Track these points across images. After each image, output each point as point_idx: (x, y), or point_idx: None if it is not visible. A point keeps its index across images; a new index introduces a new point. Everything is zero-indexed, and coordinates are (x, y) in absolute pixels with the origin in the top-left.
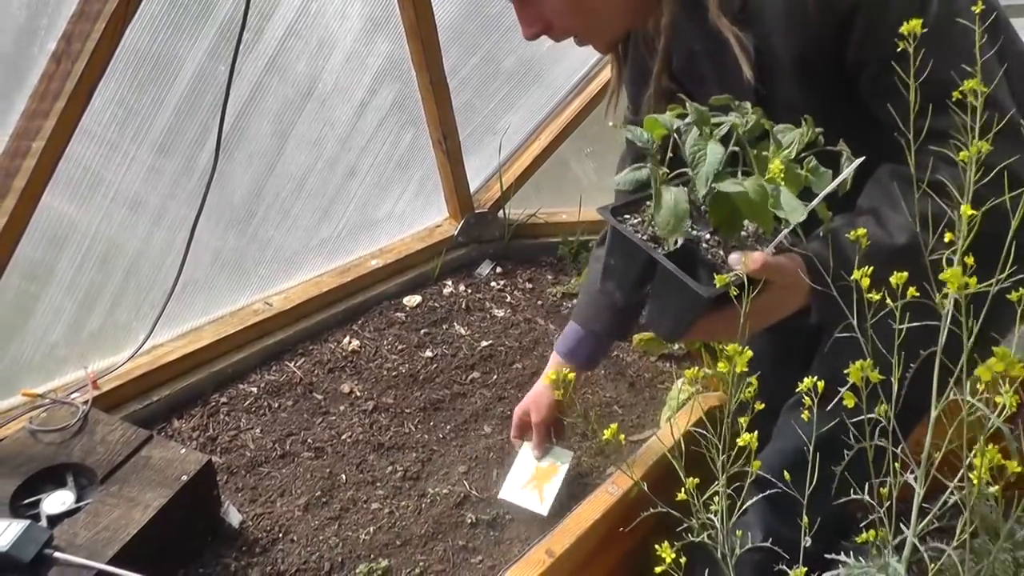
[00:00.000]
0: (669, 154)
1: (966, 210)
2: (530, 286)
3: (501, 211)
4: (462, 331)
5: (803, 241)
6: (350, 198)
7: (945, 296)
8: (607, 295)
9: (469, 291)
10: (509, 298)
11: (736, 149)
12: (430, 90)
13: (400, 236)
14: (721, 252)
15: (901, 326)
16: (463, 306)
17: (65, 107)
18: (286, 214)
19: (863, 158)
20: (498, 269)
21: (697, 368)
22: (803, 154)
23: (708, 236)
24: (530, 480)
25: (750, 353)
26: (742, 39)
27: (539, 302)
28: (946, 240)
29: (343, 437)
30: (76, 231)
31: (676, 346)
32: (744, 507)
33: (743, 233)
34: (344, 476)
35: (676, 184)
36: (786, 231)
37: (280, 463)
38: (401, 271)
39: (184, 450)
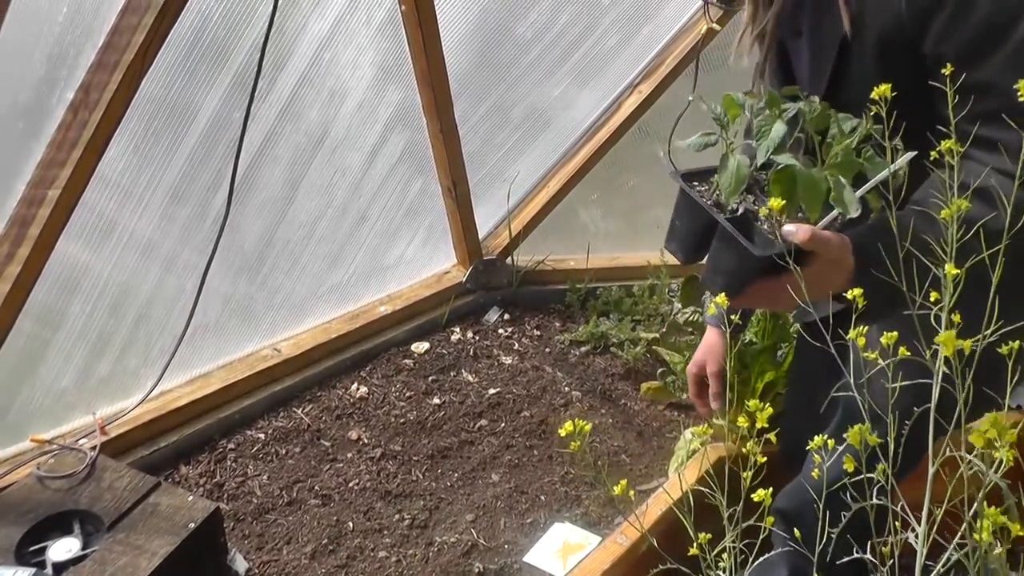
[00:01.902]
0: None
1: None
2: (538, 333)
3: (509, 258)
4: (470, 378)
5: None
6: (360, 245)
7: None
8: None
9: (477, 338)
10: (517, 345)
11: (801, 136)
12: (440, 138)
13: (409, 282)
14: (776, 222)
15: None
16: (471, 353)
17: (81, 156)
18: (296, 260)
19: (915, 152)
20: (506, 316)
21: (706, 425)
22: (862, 145)
23: (769, 211)
24: (558, 551)
25: (771, 409)
26: (809, 37)
27: (547, 349)
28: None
29: (350, 484)
30: (89, 276)
31: (684, 395)
32: (757, 555)
33: (799, 213)
34: (351, 524)
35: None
36: (833, 214)
37: (287, 510)
38: (409, 317)
39: (191, 497)
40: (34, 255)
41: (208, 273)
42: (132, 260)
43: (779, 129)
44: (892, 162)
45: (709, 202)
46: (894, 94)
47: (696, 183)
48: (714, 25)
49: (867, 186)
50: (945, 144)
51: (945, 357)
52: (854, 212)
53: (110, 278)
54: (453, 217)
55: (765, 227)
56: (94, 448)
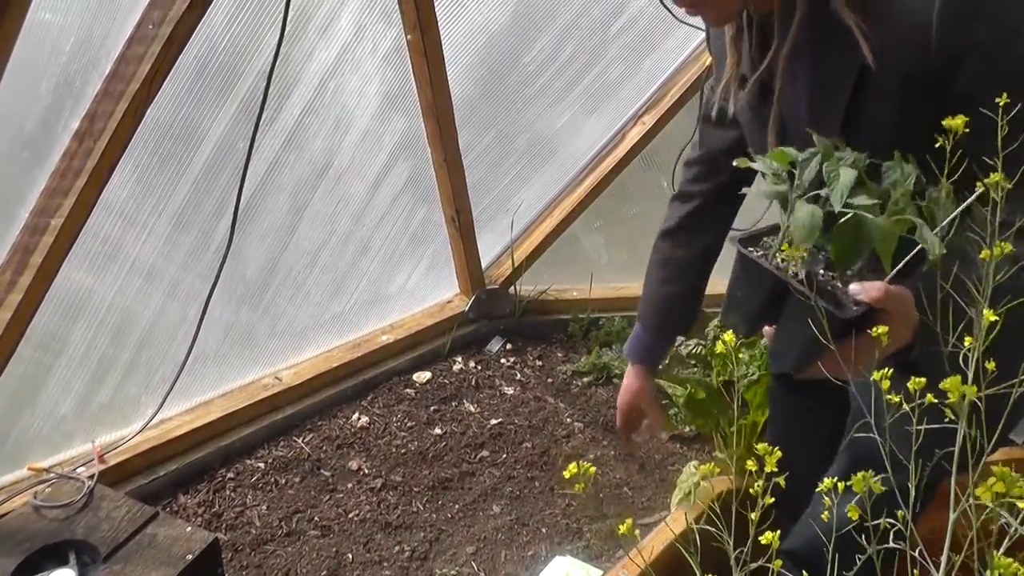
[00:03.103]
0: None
1: None
2: (540, 363)
3: (512, 287)
4: (471, 408)
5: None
6: (362, 273)
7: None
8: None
9: (479, 368)
10: (519, 375)
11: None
12: (444, 167)
13: (411, 311)
14: (839, 284)
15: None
16: (473, 383)
17: (85, 185)
18: (299, 289)
19: (980, 191)
20: (508, 346)
21: (712, 463)
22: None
23: (820, 272)
24: None
25: (779, 453)
26: (863, 26)
27: (549, 380)
28: None
29: (350, 515)
30: (91, 302)
31: (687, 428)
32: None
33: (849, 272)
34: (351, 555)
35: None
36: (898, 267)
37: (286, 541)
38: (412, 346)
39: (189, 528)
40: (35, 284)
41: (211, 301)
42: (135, 286)
43: (848, 173)
44: (954, 205)
45: (774, 266)
46: (914, 134)
47: (751, 248)
48: None
49: (941, 224)
50: (993, 177)
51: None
52: (939, 250)
53: (112, 304)
54: (456, 246)
55: (828, 287)
56: (92, 477)
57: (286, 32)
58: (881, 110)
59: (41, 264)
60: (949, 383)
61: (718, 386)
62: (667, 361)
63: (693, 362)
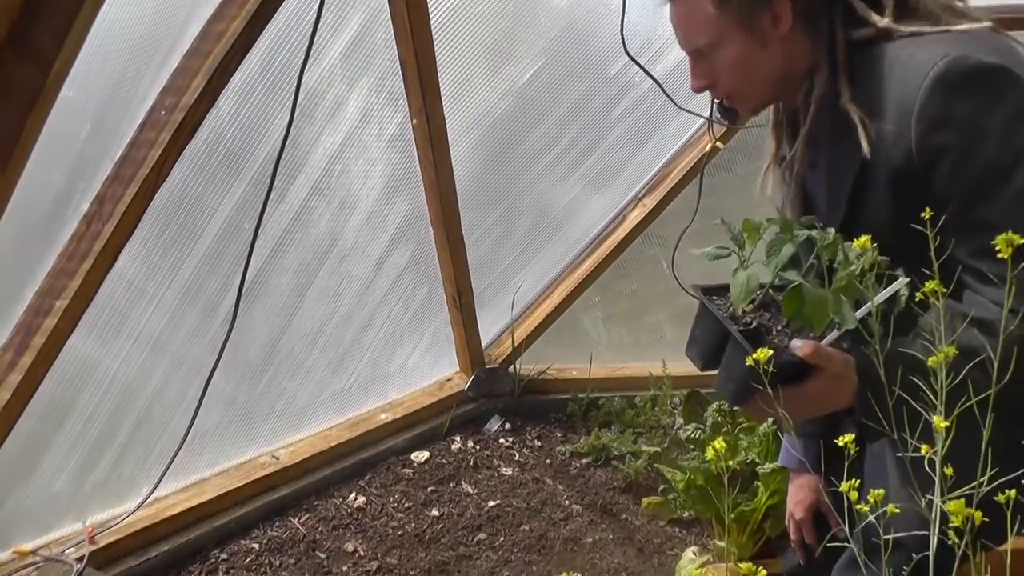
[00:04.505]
0: None
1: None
2: (539, 444)
3: (512, 366)
4: (469, 489)
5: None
6: (363, 352)
7: None
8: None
9: (477, 447)
10: (518, 456)
11: (815, 261)
12: (447, 248)
13: (410, 390)
14: (785, 338)
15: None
16: (471, 463)
17: (91, 268)
18: (299, 367)
19: (908, 280)
20: (507, 425)
21: (711, 558)
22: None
23: (781, 327)
24: None
25: (764, 572)
26: (867, 123)
27: (548, 461)
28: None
29: None
30: (92, 376)
31: (686, 512)
32: None
33: (811, 333)
34: None
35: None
36: (837, 333)
37: None
38: (410, 425)
39: None
40: (36, 365)
41: (212, 378)
42: (137, 360)
43: (788, 249)
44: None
45: (725, 315)
46: (906, 227)
47: (715, 297)
48: (718, 143)
49: (864, 308)
50: (929, 285)
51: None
52: (850, 324)
53: (113, 380)
54: (457, 325)
55: (775, 340)
56: (81, 559)
57: (294, 118)
58: (878, 202)
59: (43, 346)
60: (953, 507)
61: (717, 472)
62: (666, 444)
63: (692, 447)
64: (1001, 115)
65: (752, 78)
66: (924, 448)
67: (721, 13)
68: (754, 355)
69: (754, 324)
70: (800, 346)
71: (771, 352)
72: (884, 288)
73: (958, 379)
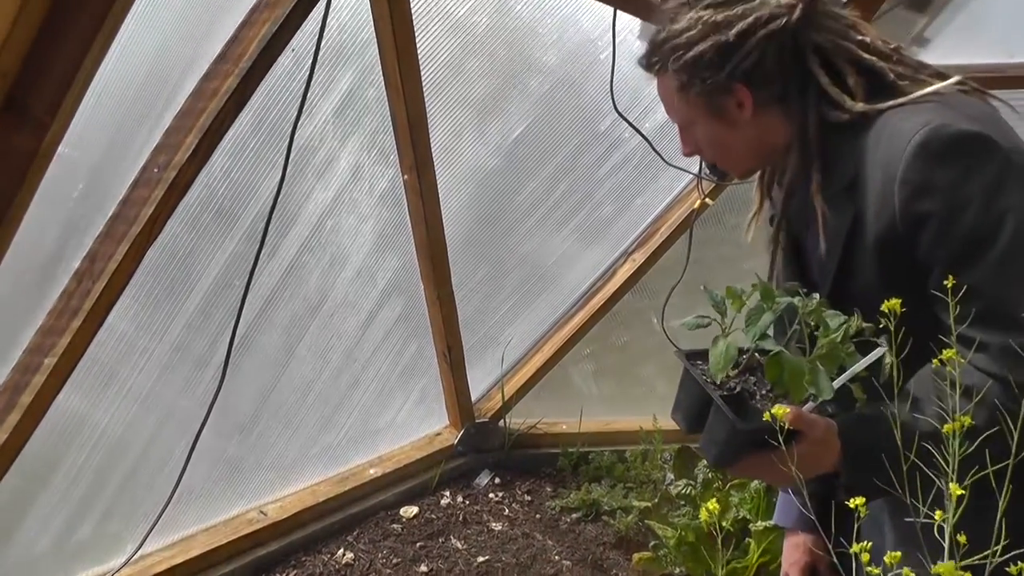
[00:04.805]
0: None
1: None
2: (529, 498)
3: (502, 421)
4: (459, 545)
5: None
6: (353, 407)
7: None
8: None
9: (467, 502)
10: (507, 511)
11: (799, 327)
12: (437, 303)
13: (400, 444)
14: (768, 403)
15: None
16: (460, 518)
17: (80, 326)
18: (288, 422)
19: (883, 349)
20: (497, 480)
21: None
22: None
23: (765, 391)
24: None
25: None
26: (827, 218)
27: (537, 516)
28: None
29: None
30: (80, 432)
31: (677, 568)
32: None
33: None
34: None
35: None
36: (815, 402)
37: None
38: (399, 480)
39: None
40: (23, 423)
41: (200, 434)
42: (123, 419)
43: (767, 318)
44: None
45: (709, 379)
46: (894, 292)
47: (700, 361)
48: (707, 199)
49: (843, 376)
50: (947, 353)
51: None
52: (826, 395)
53: (102, 436)
54: (447, 380)
55: (758, 405)
56: None
57: (286, 176)
58: (866, 267)
59: (30, 404)
60: (942, 569)
61: (708, 529)
62: (657, 500)
63: (683, 503)
64: (980, 183)
65: (729, 154)
66: (939, 515)
67: (688, 99)
68: (771, 411)
69: (737, 389)
70: (783, 412)
71: (788, 409)
72: (864, 356)
73: (952, 446)
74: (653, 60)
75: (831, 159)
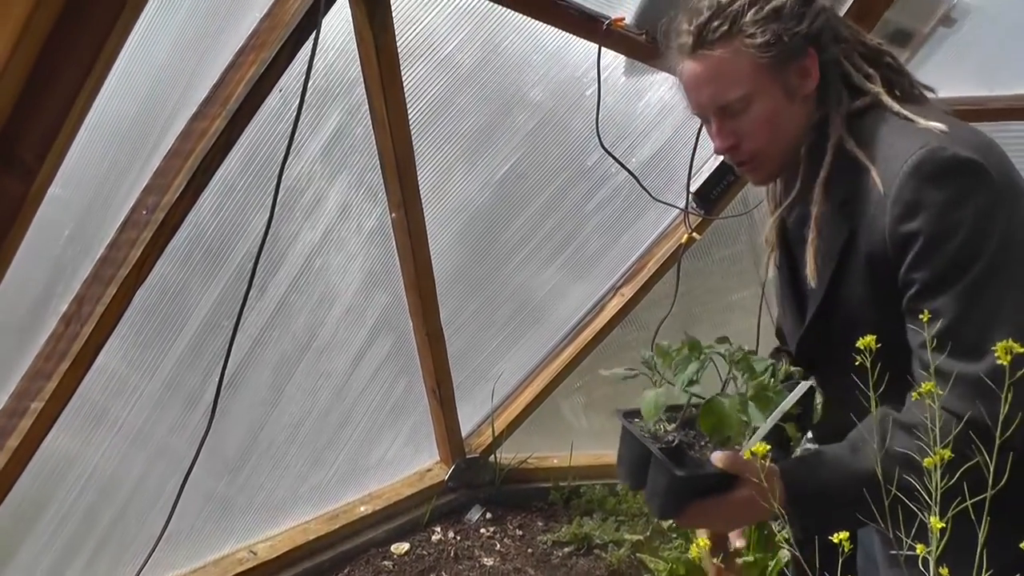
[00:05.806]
0: None
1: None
2: (520, 533)
3: (492, 456)
4: None
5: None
6: (342, 445)
7: None
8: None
9: (458, 538)
10: (499, 545)
11: (735, 375)
12: (426, 340)
13: (390, 481)
14: (706, 452)
15: None
16: (452, 554)
17: (68, 369)
18: (278, 462)
19: (809, 383)
20: (488, 515)
21: None
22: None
23: (704, 443)
24: None
25: None
26: (816, 240)
27: (529, 550)
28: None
29: None
30: (70, 472)
31: None
32: None
33: (736, 446)
34: None
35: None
36: (753, 438)
37: None
38: (390, 517)
39: None
40: (8, 468)
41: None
42: (113, 459)
43: (693, 367)
44: (802, 397)
45: (647, 435)
46: (883, 309)
47: (638, 419)
48: (694, 234)
49: (776, 413)
50: (926, 386)
51: None
52: (759, 421)
53: (91, 477)
54: (436, 416)
55: (697, 455)
56: None
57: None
58: (856, 286)
59: (16, 448)
60: None
61: (698, 561)
62: (648, 533)
63: (675, 535)
64: (970, 210)
65: (779, 134)
66: (920, 548)
67: (760, 64)
68: (751, 449)
69: (676, 442)
70: (720, 457)
71: (769, 447)
72: (791, 393)
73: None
74: (714, 25)
75: (835, 172)
